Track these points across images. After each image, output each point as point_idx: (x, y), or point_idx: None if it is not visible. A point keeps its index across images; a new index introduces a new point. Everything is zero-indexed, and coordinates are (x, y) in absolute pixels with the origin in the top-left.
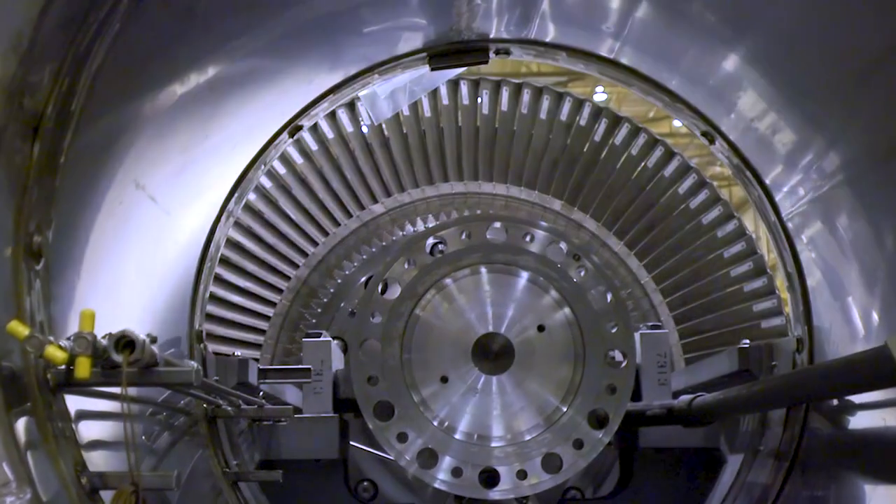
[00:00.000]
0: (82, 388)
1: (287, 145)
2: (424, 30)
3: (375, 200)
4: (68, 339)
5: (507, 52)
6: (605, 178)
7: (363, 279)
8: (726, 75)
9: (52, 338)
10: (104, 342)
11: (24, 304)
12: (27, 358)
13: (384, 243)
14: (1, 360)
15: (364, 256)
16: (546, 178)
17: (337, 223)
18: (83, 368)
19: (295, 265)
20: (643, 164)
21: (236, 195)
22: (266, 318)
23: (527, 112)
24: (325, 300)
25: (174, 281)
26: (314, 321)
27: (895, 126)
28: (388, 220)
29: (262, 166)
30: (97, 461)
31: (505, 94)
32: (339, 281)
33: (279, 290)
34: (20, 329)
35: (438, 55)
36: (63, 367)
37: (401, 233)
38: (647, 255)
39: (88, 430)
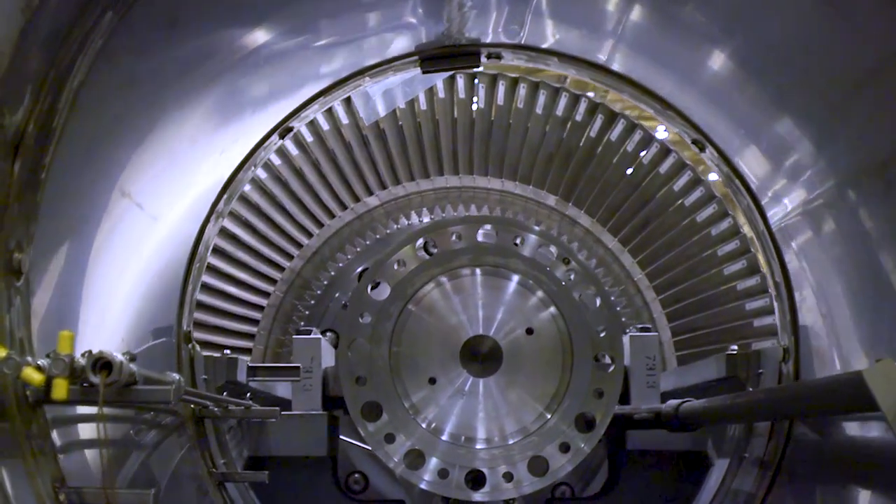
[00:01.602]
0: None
1: (277, 146)
2: (416, 34)
3: (370, 193)
4: (48, 355)
5: (499, 57)
6: (601, 175)
7: (357, 271)
8: (718, 85)
9: (29, 358)
10: (82, 361)
11: (3, 321)
12: (5, 374)
13: (378, 236)
14: None
15: (358, 249)
16: (541, 174)
17: (332, 215)
18: (60, 390)
19: (289, 256)
20: (638, 160)
21: (225, 196)
22: (260, 308)
23: (523, 106)
24: (319, 292)
25: (162, 283)
26: (307, 313)
27: (886, 140)
28: (383, 213)
29: (252, 167)
30: (77, 472)
31: (501, 89)
32: (333, 273)
33: (273, 281)
34: None
35: (430, 59)
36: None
37: (395, 226)
38: (640, 252)
39: (68, 441)
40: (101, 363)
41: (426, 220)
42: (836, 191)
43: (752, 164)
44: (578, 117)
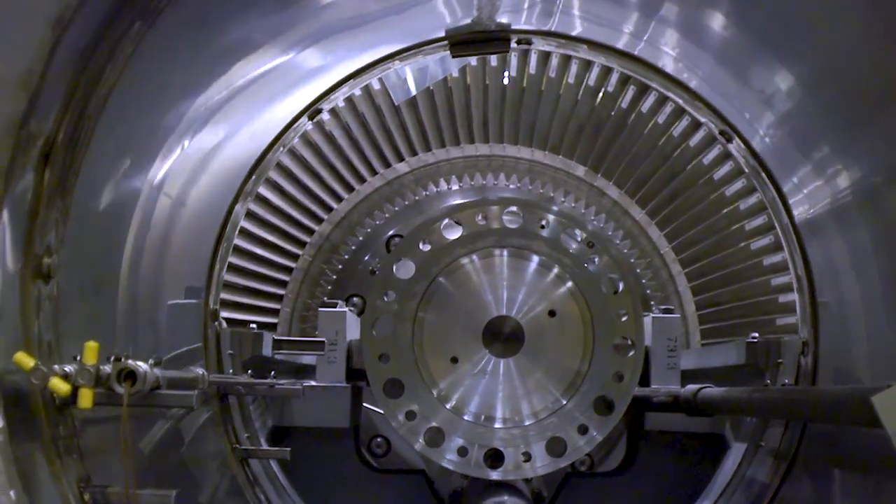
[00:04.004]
0: None
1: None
2: (446, 19)
3: (401, 159)
4: (75, 359)
5: (529, 43)
6: (630, 146)
7: (386, 236)
8: (748, 79)
9: (56, 366)
10: (108, 370)
11: (32, 326)
12: (34, 385)
13: (407, 202)
14: (8, 379)
15: (387, 215)
16: (571, 144)
17: (362, 180)
18: (86, 400)
19: (319, 220)
20: (669, 132)
21: (253, 178)
22: (288, 270)
23: (554, 76)
24: (347, 257)
25: (190, 265)
26: (335, 277)
27: None
28: (412, 180)
29: (281, 148)
30: (102, 468)
31: (533, 57)
32: (361, 238)
33: (302, 245)
34: (25, 360)
35: (460, 43)
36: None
37: (424, 192)
38: (667, 224)
39: (94, 439)
40: (126, 373)
41: (455, 187)
42: (864, 190)
43: (779, 158)
44: (610, 88)
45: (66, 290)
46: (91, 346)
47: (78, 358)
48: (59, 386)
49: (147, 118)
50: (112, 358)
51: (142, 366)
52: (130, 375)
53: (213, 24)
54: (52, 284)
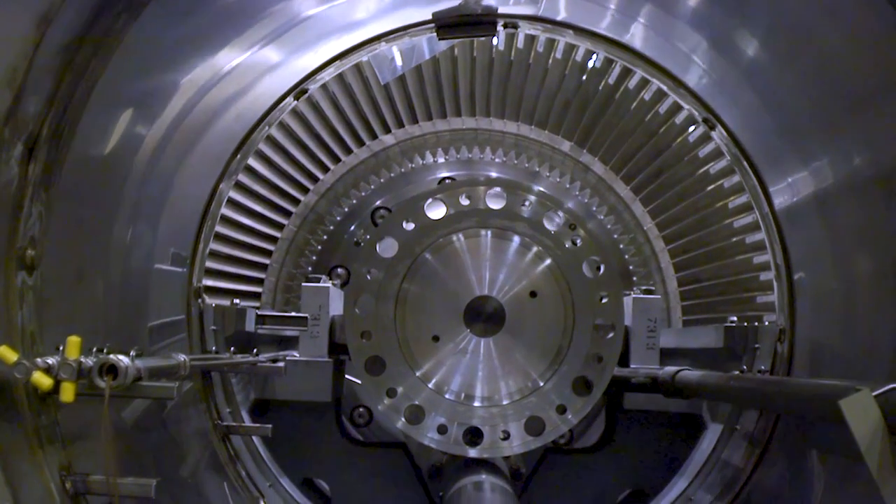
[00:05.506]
0: None
1: (291, 106)
2: (433, 2)
3: (387, 130)
4: (58, 349)
5: (515, 27)
6: (616, 122)
7: (371, 208)
8: (732, 69)
9: (39, 360)
10: (90, 363)
11: (15, 317)
12: (17, 378)
13: (392, 174)
14: None
15: (372, 186)
16: (557, 119)
17: (348, 151)
18: (68, 393)
19: (305, 190)
20: (655, 109)
21: (238, 157)
22: (274, 240)
23: (542, 50)
24: (332, 227)
25: (173, 243)
26: (320, 248)
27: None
28: (398, 152)
29: (266, 127)
30: (84, 456)
31: (521, 36)
32: (346, 209)
33: (288, 215)
34: (8, 355)
35: (447, 26)
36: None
37: (410, 164)
38: (651, 201)
39: (75, 426)
40: (107, 367)
41: (441, 160)
42: (845, 182)
43: (761, 147)
44: (598, 64)
45: (50, 280)
46: (73, 341)
47: (60, 349)
48: (42, 381)
49: (132, 107)
50: (94, 349)
51: (123, 359)
52: (112, 370)
53: (198, 12)
54: (35, 275)
